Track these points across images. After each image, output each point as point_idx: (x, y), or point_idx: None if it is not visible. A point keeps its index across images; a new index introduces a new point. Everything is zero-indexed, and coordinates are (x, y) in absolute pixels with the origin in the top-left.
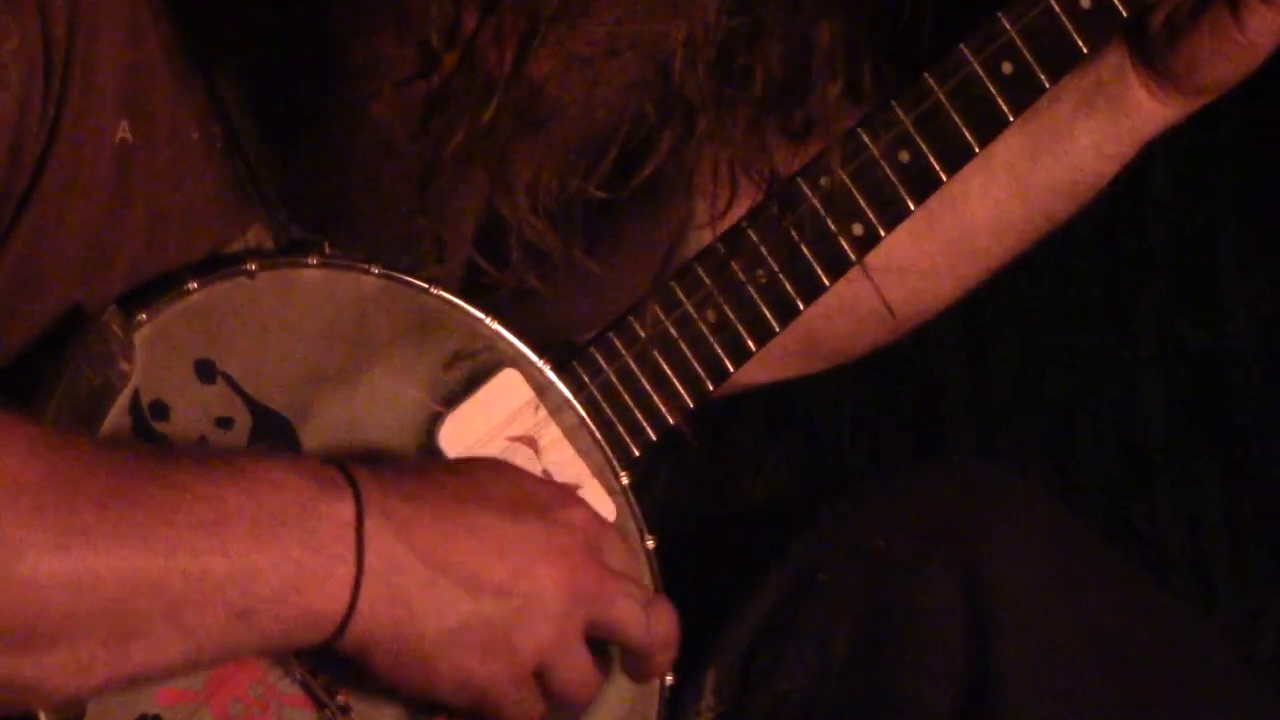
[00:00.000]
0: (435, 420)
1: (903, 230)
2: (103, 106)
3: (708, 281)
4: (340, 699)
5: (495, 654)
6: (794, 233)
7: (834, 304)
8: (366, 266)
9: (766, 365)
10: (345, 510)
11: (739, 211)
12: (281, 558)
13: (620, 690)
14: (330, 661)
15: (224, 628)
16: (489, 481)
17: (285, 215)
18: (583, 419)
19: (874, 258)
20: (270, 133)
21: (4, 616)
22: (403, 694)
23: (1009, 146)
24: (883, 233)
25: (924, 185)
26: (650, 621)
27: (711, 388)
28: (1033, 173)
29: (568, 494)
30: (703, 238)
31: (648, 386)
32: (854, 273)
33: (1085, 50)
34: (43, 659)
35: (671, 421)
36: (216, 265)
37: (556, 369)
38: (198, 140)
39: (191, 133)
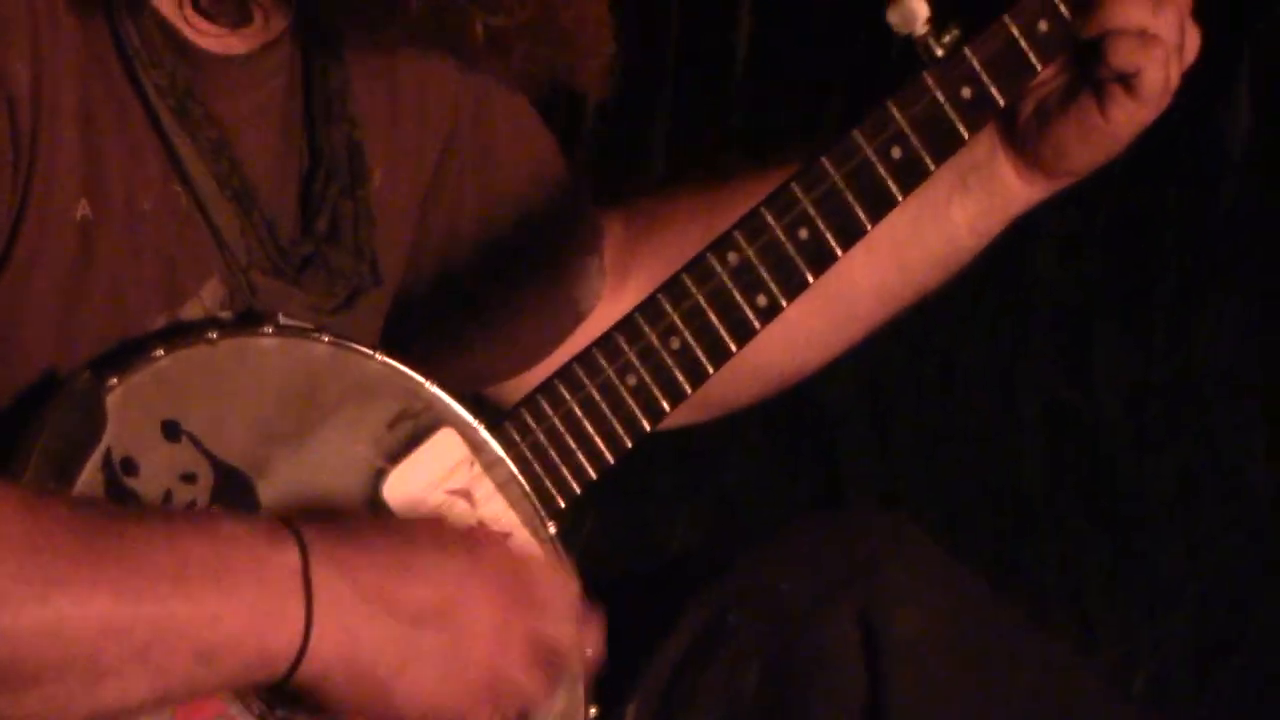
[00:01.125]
0: (380, 475)
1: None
2: (65, 187)
3: (626, 349)
4: None
5: (448, 675)
6: (704, 304)
7: (728, 366)
8: (319, 335)
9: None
10: (293, 559)
11: (651, 285)
12: (239, 603)
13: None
14: (288, 697)
15: (189, 668)
16: (415, 528)
17: (246, 261)
18: (514, 474)
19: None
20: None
21: None
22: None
23: (891, 222)
24: (784, 303)
25: (821, 260)
26: (581, 639)
27: (630, 445)
28: (912, 246)
29: (491, 534)
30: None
31: (573, 444)
32: None
33: (966, 136)
34: (21, 699)
35: (594, 477)
36: (181, 333)
37: (490, 429)
38: (150, 210)
39: (144, 203)
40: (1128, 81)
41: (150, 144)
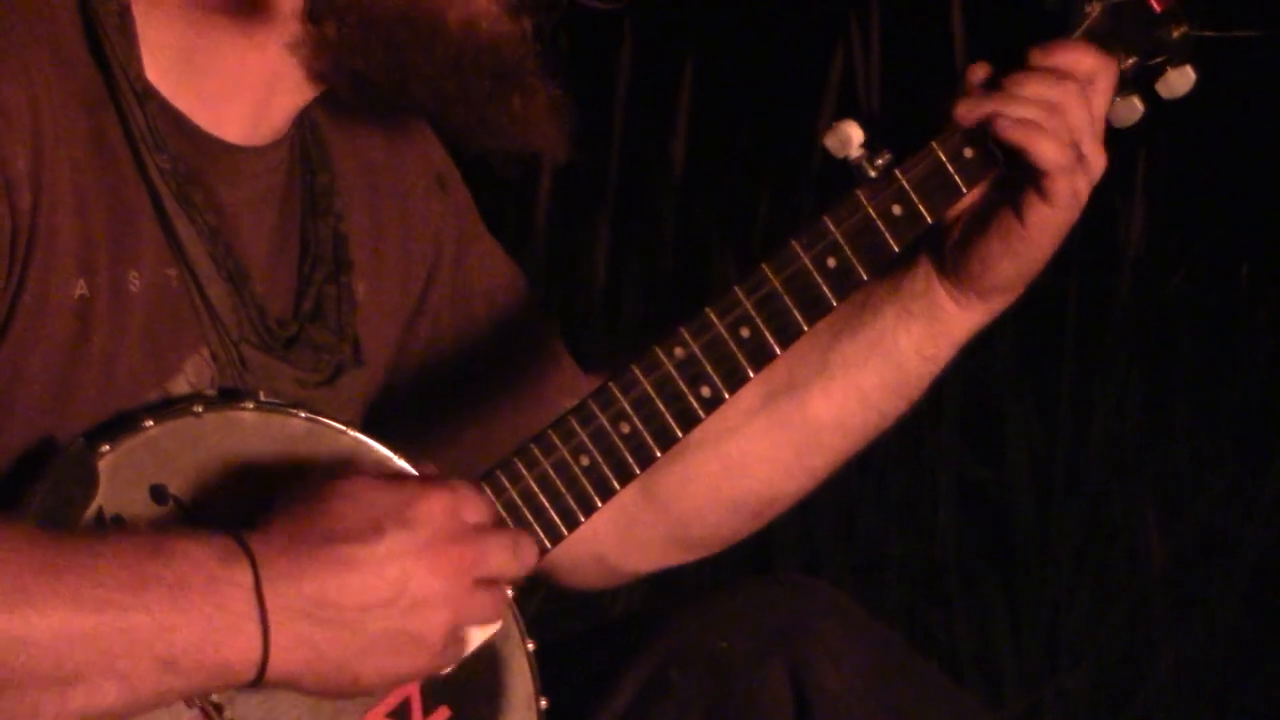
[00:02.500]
0: None
1: (757, 431)
2: (63, 268)
3: (579, 431)
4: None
5: (408, 651)
6: (652, 392)
7: (704, 499)
8: (295, 411)
9: (649, 554)
10: (245, 576)
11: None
12: (196, 615)
13: None
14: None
15: (154, 674)
16: (348, 511)
17: (237, 335)
18: None
19: (735, 453)
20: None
21: None
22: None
23: (844, 355)
24: (726, 395)
25: (761, 357)
26: (520, 554)
27: (583, 519)
28: (867, 375)
29: (415, 488)
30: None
31: (529, 517)
32: (720, 472)
33: (896, 249)
34: None
35: (550, 547)
36: (169, 406)
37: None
38: (139, 291)
39: (134, 285)
40: (1040, 186)
41: (149, 226)
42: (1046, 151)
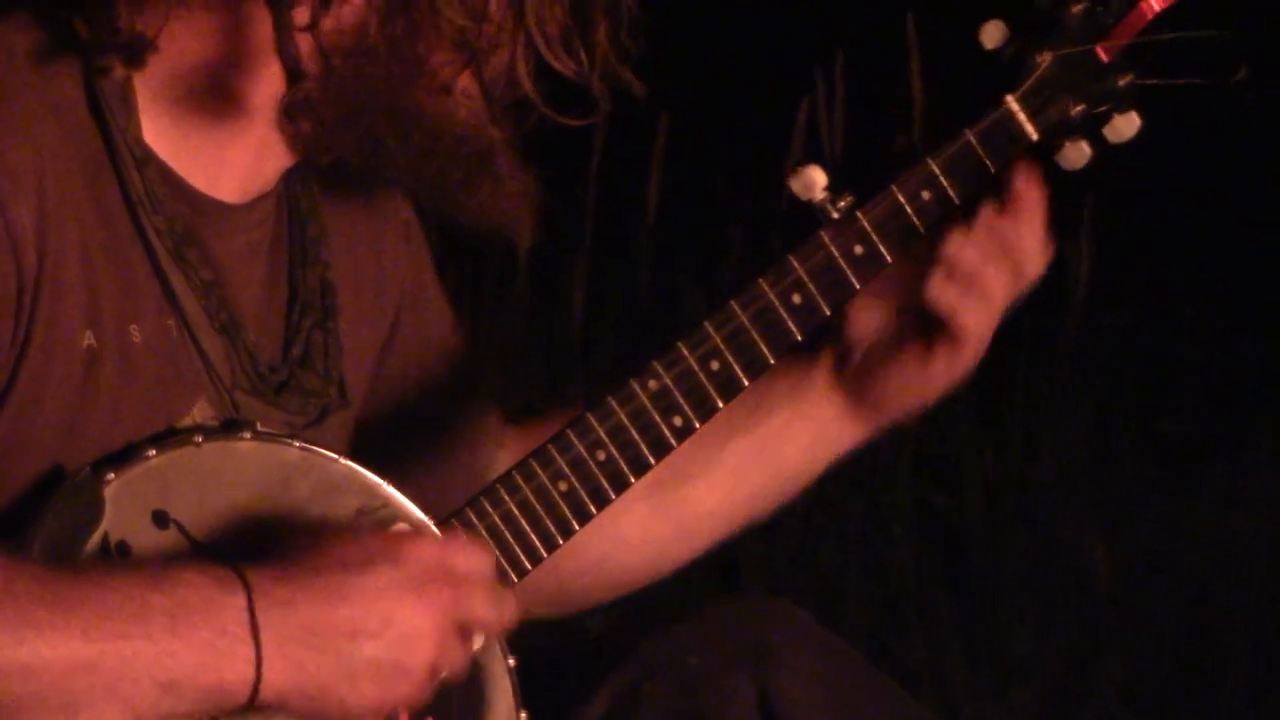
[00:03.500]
0: None
1: (644, 513)
2: (71, 319)
3: (559, 458)
4: None
5: (392, 681)
6: (627, 422)
7: (590, 566)
8: (290, 441)
9: (538, 601)
10: (240, 601)
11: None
12: (194, 640)
13: None
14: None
15: (155, 698)
16: (344, 549)
17: (230, 383)
18: None
19: (622, 530)
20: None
21: None
22: None
23: (733, 452)
24: (697, 425)
25: (730, 388)
26: (501, 608)
27: (561, 541)
28: (750, 474)
29: (408, 536)
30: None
31: (510, 540)
32: (605, 541)
33: (858, 287)
34: None
35: (530, 568)
36: (170, 437)
37: (438, 524)
38: (142, 342)
39: (137, 336)
40: (952, 337)
41: (148, 281)
42: (980, 331)
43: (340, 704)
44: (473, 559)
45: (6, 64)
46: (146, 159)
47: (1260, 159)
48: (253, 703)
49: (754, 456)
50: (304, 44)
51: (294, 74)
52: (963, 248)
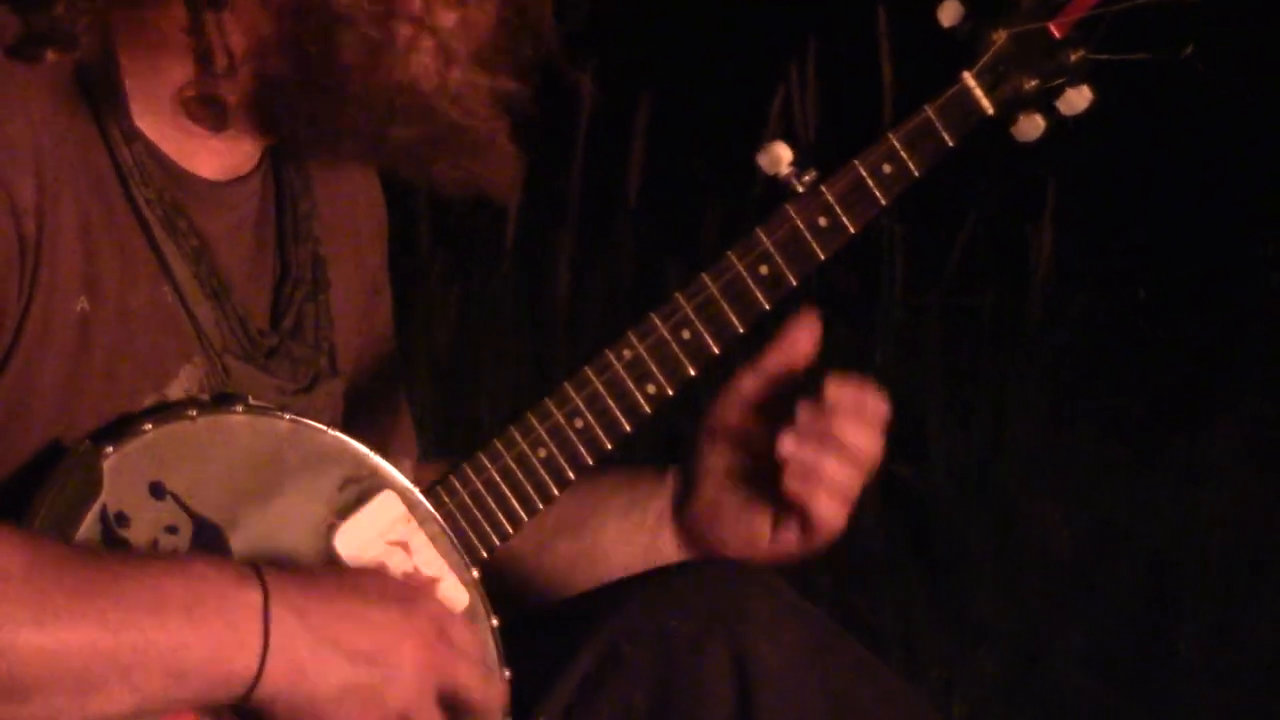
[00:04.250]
0: (332, 529)
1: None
2: (67, 285)
3: (538, 426)
4: None
5: (369, 708)
6: (603, 390)
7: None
8: (281, 414)
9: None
10: (255, 599)
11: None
12: (208, 633)
13: None
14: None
15: (164, 685)
16: (362, 580)
17: (220, 347)
18: (443, 528)
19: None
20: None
21: None
22: None
23: (561, 555)
24: (670, 392)
25: (700, 356)
26: (489, 690)
27: (541, 506)
28: (576, 573)
29: (421, 591)
30: None
31: (493, 505)
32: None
33: (822, 257)
34: (22, 709)
35: (511, 532)
36: (166, 411)
37: (424, 492)
38: (137, 307)
39: (133, 301)
40: (806, 525)
41: (141, 249)
42: (835, 523)
43: (319, 716)
44: (471, 636)
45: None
46: (134, 135)
47: (1216, 145)
48: (248, 697)
49: (578, 559)
50: (214, 35)
51: (203, 63)
52: (799, 447)
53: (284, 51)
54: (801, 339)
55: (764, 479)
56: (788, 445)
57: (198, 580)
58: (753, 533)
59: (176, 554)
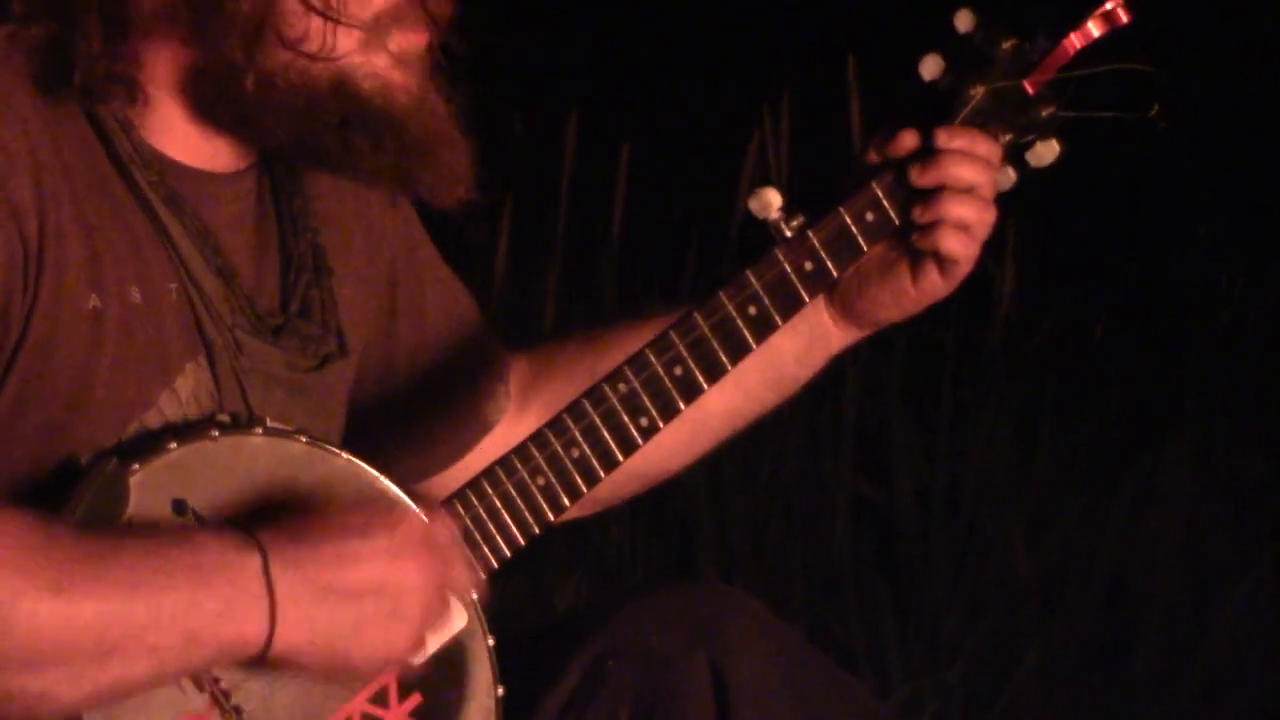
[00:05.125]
0: None
1: None
2: (76, 283)
3: (536, 455)
4: (233, 702)
5: (391, 633)
6: (599, 422)
7: None
8: (298, 436)
9: None
10: (255, 561)
11: (546, 409)
12: (215, 594)
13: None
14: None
15: (179, 647)
16: (345, 518)
17: (230, 322)
18: None
19: None
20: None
21: (14, 643)
22: (335, 680)
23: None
24: (661, 425)
25: (691, 391)
26: (474, 572)
27: (537, 531)
28: (751, 375)
29: (398, 510)
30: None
31: (492, 529)
32: None
33: (807, 300)
34: (44, 675)
35: (509, 555)
36: (189, 430)
37: (429, 514)
38: (141, 302)
39: (136, 296)
40: (942, 263)
41: (148, 239)
42: (968, 254)
43: (346, 655)
44: (451, 531)
45: None
46: (129, 125)
47: (1168, 189)
48: (266, 654)
49: (752, 362)
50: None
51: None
52: (949, 167)
53: (207, 73)
54: (906, 136)
55: (899, 245)
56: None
57: (201, 550)
58: (898, 286)
59: (179, 526)
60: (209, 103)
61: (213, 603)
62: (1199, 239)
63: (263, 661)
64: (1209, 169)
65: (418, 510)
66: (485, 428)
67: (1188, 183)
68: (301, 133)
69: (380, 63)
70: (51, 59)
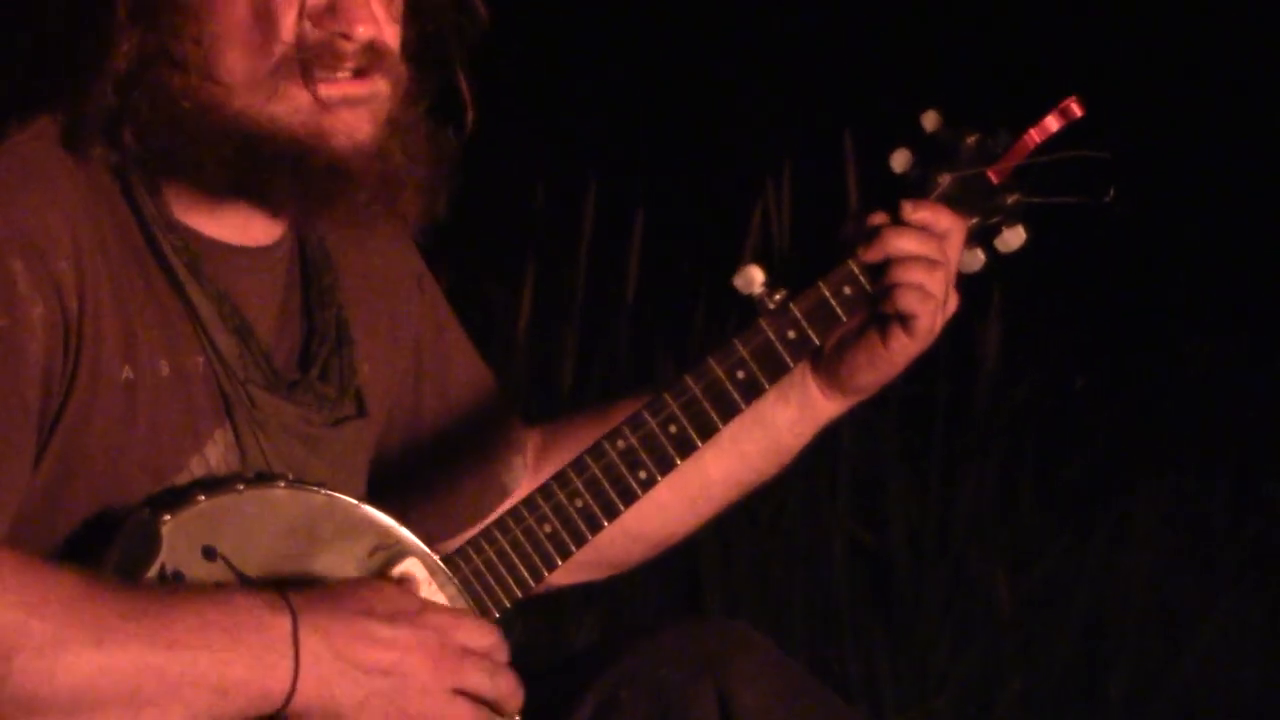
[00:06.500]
0: None
1: (663, 484)
2: (110, 355)
3: (543, 504)
4: None
5: (389, 712)
6: (600, 475)
7: (617, 533)
8: (317, 489)
9: (571, 572)
10: (285, 624)
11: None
12: (246, 654)
13: None
14: None
15: (210, 701)
16: (375, 599)
17: (244, 377)
18: (460, 590)
19: (643, 502)
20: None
21: (57, 691)
22: None
23: (732, 428)
24: (659, 478)
25: (685, 448)
26: (497, 682)
27: (547, 573)
28: (749, 445)
29: (426, 605)
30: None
31: (504, 572)
32: (630, 514)
33: (791, 365)
34: None
35: (520, 596)
36: (217, 484)
37: (443, 559)
38: (169, 375)
39: (165, 369)
40: (905, 323)
41: (174, 306)
42: (926, 309)
43: None
44: (479, 637)
45: (35, 145)
46: (157, 193)
47: (1141, 257)
48: (284, 711)
49: (751, 432)
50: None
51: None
52: (905, 239)
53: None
54: (875, 217)
55: (867, 303)
56: (898, 235)
57: (234, 607)
58: (872, 349)
59: (213, 586)
60: (178, 171)
61: (243, 662)
62: (1170, 304)
63: (279, 716)
64: (1178, 241)
65: (446, 611)
66: (504, 494)
67: (1158, 253)
68: (244, 177)
69: (300, 105)
70: (80, 132)
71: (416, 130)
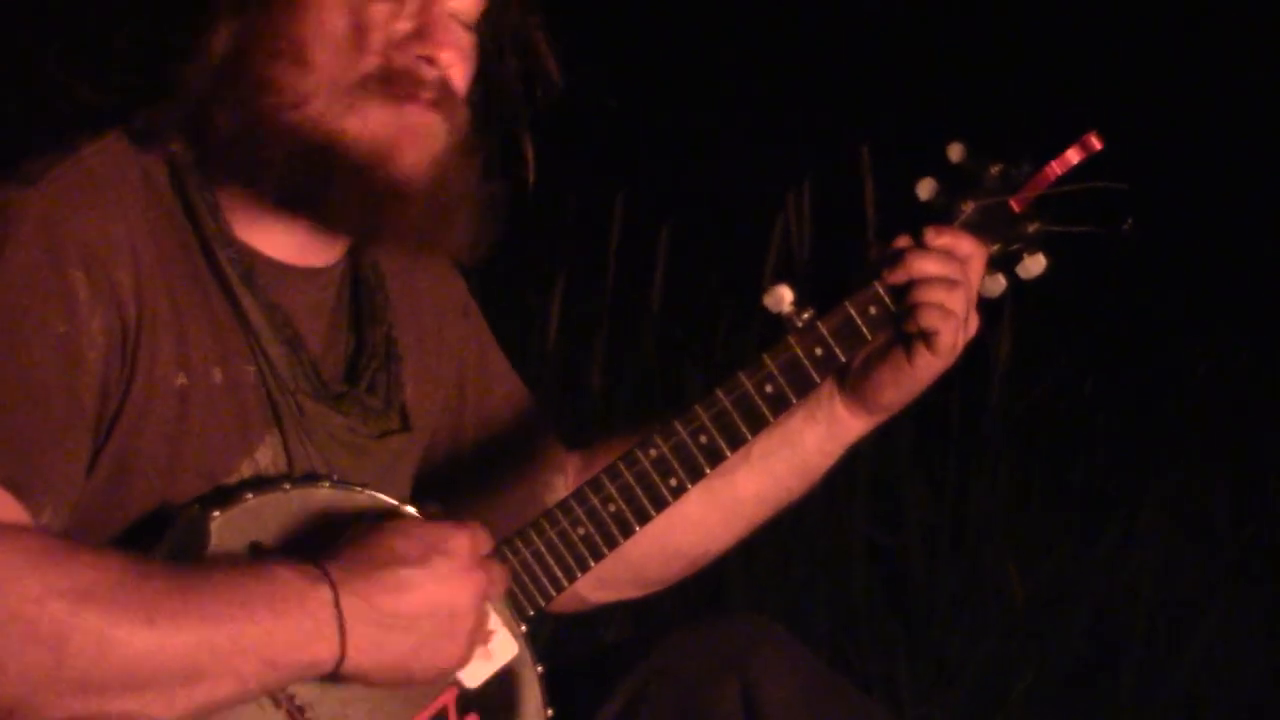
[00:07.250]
0: None
1: (696, 501)
2: (166, 362)
3: (577, 508)
4: (307, 718)
5: (444, 646)
6: (632, 482)
7: (654, 551)
8: (360, 489)
9: (612, 591)
10: (326, 593)
11: (593, 470)
12: (291, 624)
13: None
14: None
15: (260, 671)
16: (400, 543)
17: (293, 387)
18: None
19: (678, 518)
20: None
21: (113, 668)
22: (398, 690)
23: (762, 446)
24: (689, 485)
25: (715, 457)
26: (500, 576)
27: (580, 575)
28: (778, 463)
29: (448, 531)
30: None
31: (539, 572)
32: (666, 531)
33: (818, 381)
34: (140, 696)
35: (554, 594)
36: (264, 483)
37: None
38: (222, 383)
39: (218, 377)
40: (929, 340)
41: (227, 317)
42: (948, 327)
43: (407, 672)
44: (482, 542)
45: (103, 158)
46: (216, 208)
47: (1150, 271)
48: (337, 674)
49: (780, 450)
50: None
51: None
52: (928, 262)
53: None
54: (899, 241)
55: (892, 323)
56: (921, 259)
57: (276, 581)
58: (898, 366)
59: (254, 560)
60: (242, 177)
61: (288, 632)
62: (1175, 314)
63: (335, 679)
64: (1182, 251)
65: (463, 529)
66: (538, 502)
67: (1163, 263)
68: (303, 186)
69: (372, 122)
70: (164, 123)
71: (469, 173)
